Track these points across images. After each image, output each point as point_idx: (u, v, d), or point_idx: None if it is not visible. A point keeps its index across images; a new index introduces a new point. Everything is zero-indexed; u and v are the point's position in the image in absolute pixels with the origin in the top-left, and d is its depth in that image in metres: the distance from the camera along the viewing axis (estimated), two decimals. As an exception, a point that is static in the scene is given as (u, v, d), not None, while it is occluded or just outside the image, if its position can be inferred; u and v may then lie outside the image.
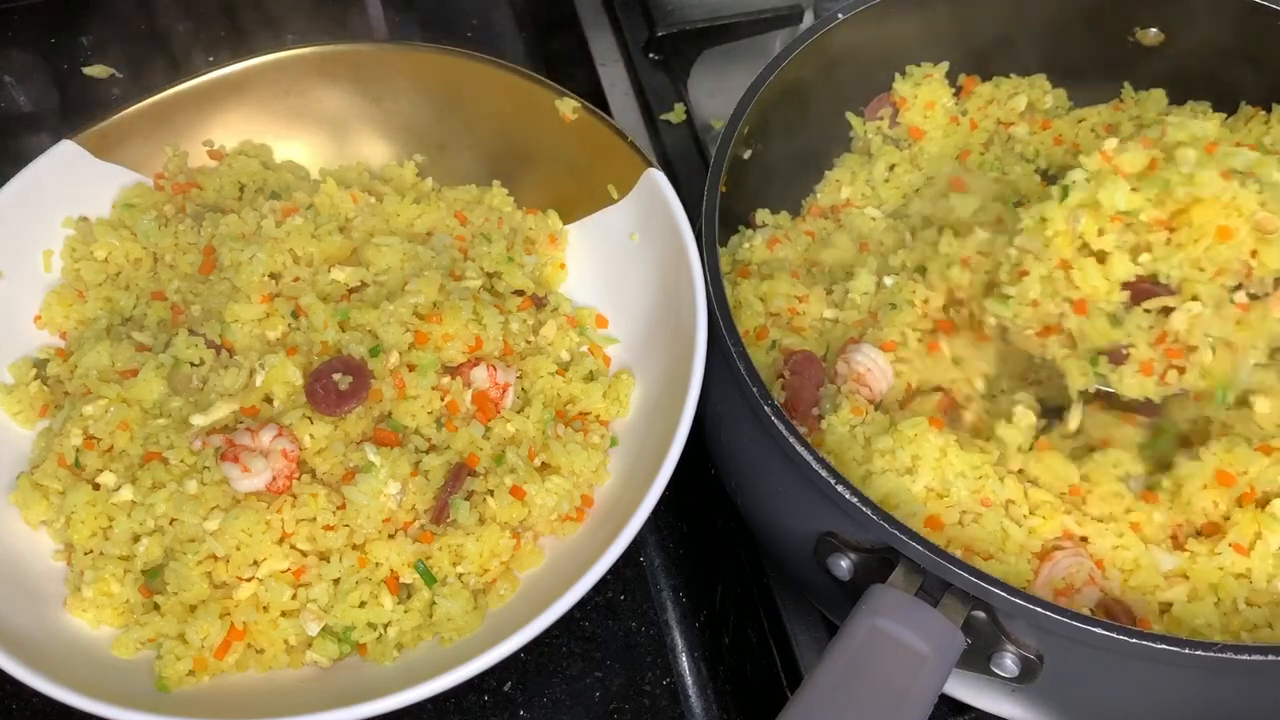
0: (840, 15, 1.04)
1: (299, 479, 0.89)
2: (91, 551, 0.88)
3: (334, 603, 0.85)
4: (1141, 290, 0.85)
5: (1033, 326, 0.90)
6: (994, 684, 0.77)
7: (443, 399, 0.93)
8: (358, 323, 0.95)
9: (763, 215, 1.10)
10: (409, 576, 0.87)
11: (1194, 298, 0.84)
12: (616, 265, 1.06)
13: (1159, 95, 1.14)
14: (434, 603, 0.86)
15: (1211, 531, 0.85)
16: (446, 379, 0.94)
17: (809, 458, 0.78)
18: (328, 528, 0.86)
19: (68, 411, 0.93)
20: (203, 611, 0.84)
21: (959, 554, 0.81)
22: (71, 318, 1.02)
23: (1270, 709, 0.75)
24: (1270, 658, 0.68)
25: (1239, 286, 0.85)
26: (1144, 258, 0.85)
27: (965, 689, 0.83)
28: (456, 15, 1.47)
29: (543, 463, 0.93)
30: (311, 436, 0.89)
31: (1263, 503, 0.84)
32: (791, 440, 0.79)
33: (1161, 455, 0.90)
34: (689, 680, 0.95)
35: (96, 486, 0.90)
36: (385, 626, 0.86)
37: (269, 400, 0.92)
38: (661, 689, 0.94)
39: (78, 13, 1.43)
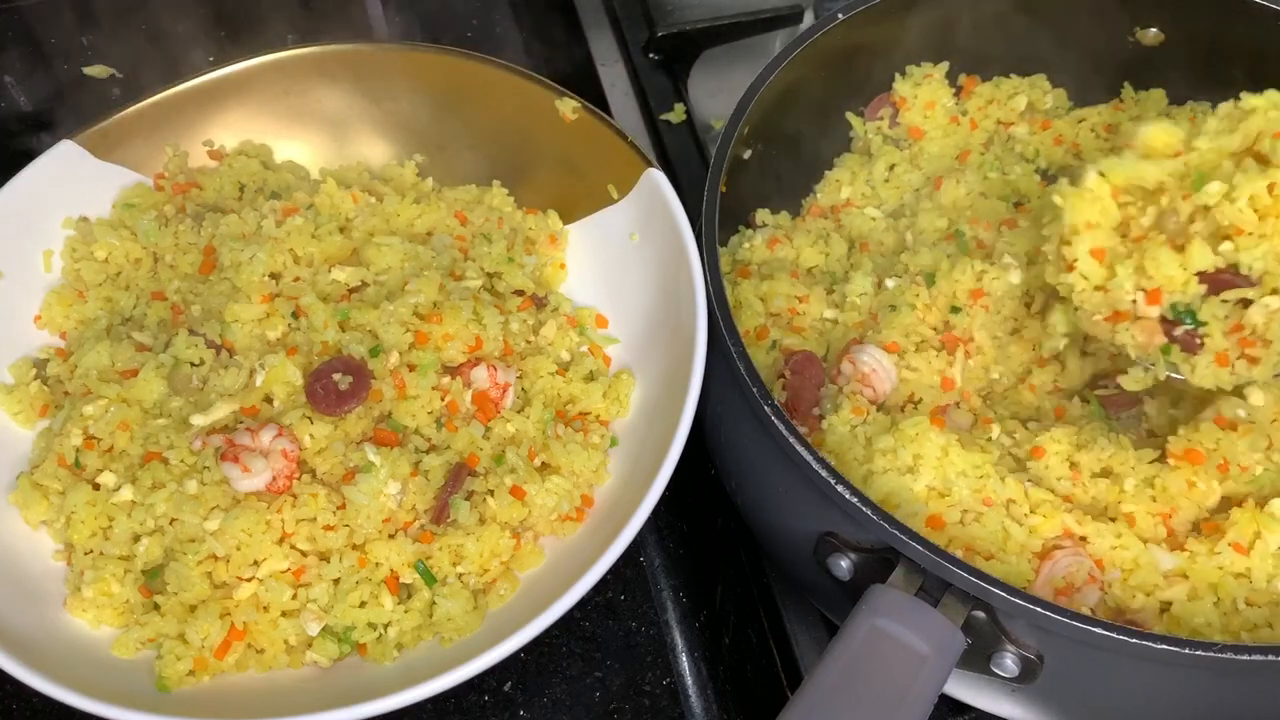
0: (840, 15, 1.04)
1: (299, 479, 0.89)
2: (91, 551, 0.88)
3: (334, 603, 0.85)
4: (1220, 280, 0.81)
5: (1101, 311, 0.86)
6: (994, 684, 0.77)
7: (443, 399, 0.93)
8: (358, 323, 0.95)
9: (763, 215, 1.10)
10: (409, 576, 0.87)
11: (1274, 291, 0.81)
12: (616, 265, 1.06)
13: (1159, 95, 1.14)
14: (434, 603, 0.86)
15: (1211, 531, 0.85)
16: (446, 379, 0.94)
17: (809, 458, 0.78)
18: (328, 528, 0.86)
19: (68, 411, 0.93)
20: (203, 611, 0.84)
21: (960, 554, 0.82)
22: (71, 318, 1.02)
23: (1270, 709, 0.75)
24: (1270, 658, 0.68)
25: None
26: (1225, 246, 0.81)
27: (965, 689, 0.83)
28: (456, 15, 1.47)
29: (543, 463, 0.93)
30: (311, 436, 0.89)
31: (1261, 501, 0.84)
32: (791, 440, 0.79)
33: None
34: (689, 680, 0.95)
35: (96, 486, 0.90)
36: (385, 626, 0.86)
37: (269, 400, 0.92)
38: (661, 689, 0.94)
39: (78, 13, 1.43)
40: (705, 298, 0.91)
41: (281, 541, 0.86)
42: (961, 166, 1.12)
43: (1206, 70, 1.11)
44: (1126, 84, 1.15)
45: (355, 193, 1.06)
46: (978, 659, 0.75)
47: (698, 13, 1.36)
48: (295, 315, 0.96)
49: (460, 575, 0.88)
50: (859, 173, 1.13)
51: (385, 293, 0.99)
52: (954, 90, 1.16)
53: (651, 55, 1.34)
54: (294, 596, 0.86)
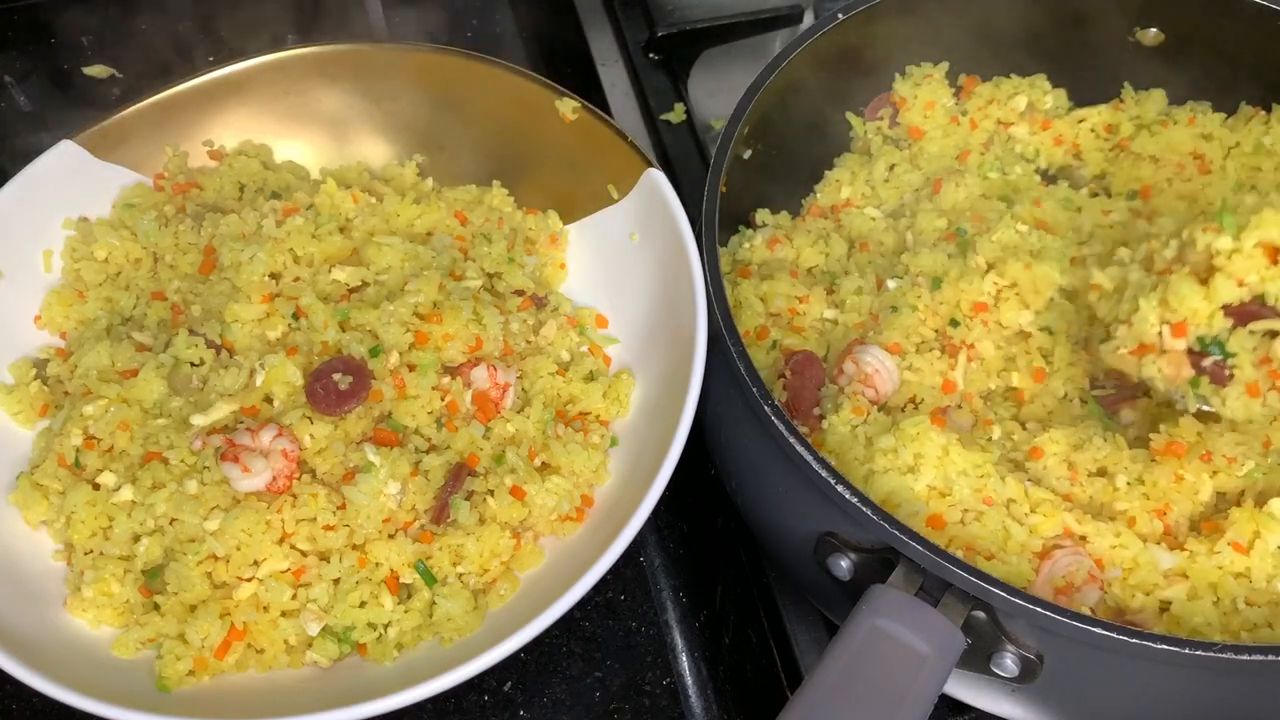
0: (840, 15, 1.04)
1: (299, 479, 0.89)
2: (91, 551, 0.88)
3: (334, 603, 0.85)
4: (1247, 313, 0.80)
5: (1127, 345, 0.85)
6: (994, 684, 0.77)
7: (443, 399, 0.93)
8: (358, 323, 0.95)
9: (763, 215, 1.10)
10: (409, 576, 0.87)
11: None
12: (616, 265, 1.06)
13: (1159, 95, 1.14)
14: (434, 603, 0.86)
15: (1211, 530, 0.85)
16: (446, 379, 0.94)
17: (809, 458, 0.78)
18: (328, 528, 0.86)
19: (68, 411, 0.93)
20: (203, 611, 0.84)
21: (961, 553, 0.82)
22: (71, 318, 1.02)
23: (1270, 709, 0.75)
24: (1270, 658, 0.68)
25: None
26: (1251, 278, 0.79)
27: (965, 689, 0.83)
28: (456, 15, 1.47)
29: (543, 463, 0.93)
30: (311, 436, 0.89)
31: (1260, 501, 0.84)
32: (792, 440, 0.79)
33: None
34: (689, 680, 0.95)
35: (96, 486, 0.90)
36: (385, 626, 0.86)
37: (269, 400, 0.92)
38: (661, 689, 0.94)
39: (78, 13, 1.43)
40: (705, 298, 0.91)
41: (281, 541, 0.86)
42: (961, 167, 1.12)
43: (1206, 70, 1.11)
44: (1126, 84, 1.15)
45: (355, 193, 1.06)
46: (978, 659, 0.75)
47: (698, 13, 1.36)
48: (295, 315, 0.96)
49: (460, 575, 0.88)
50: (859, 173, 1.13)
51: (385, 293, 0.99)
52: (954, 90, 1.16)
53: (651, 55, 1.34)
54: (294, 596, 0.85)
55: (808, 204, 1.14)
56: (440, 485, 0.89)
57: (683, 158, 1.24)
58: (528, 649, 0.80)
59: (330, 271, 1.00)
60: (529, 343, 1.01)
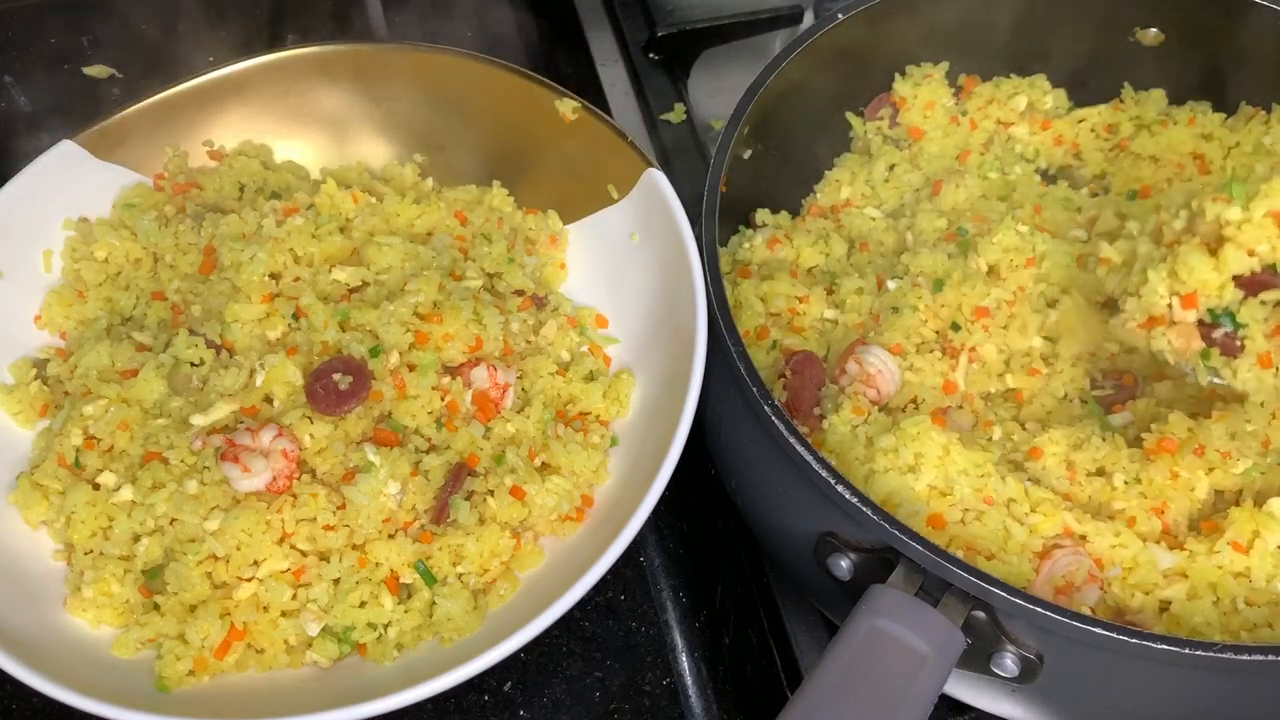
0: (840, 15, 1.04)
1: (299, 479, 0.89)
2: (91, 551, 0.88)
3: (334, 603, 0.85)
4: (1257, 282, 0.79)
5: (1136, 318, 0.84)
6: (994, 684, 0.77)
7: (443, 399, 0.93)
8: (358, 323, 0.95)
9: (763, 215, 1.10)
10: (409, 576, 0.87)
11: None
12: (616, 265, 1.06)
13: (1159, 95, 1.14)
14: (434, 603, 0.86)
15: (1210, 530, 0.85)
16: (446, 379, 0.94)
17: (809, 458, 0.78)
18: (328, 528, 0.86)
19: (68, 411, 0.93)
20: (203, 611, 0.84)
21: (961, 553, 0.82)
22: (71, 318, 1.02)
23: (1270, 709, 0.75)
24: (1270, 658, 0.68)
25: None
26: (1262, 248, 0.78)
27: (965, 689, 0.83)
28: (456, 15, 1.47)
29: (543, 463, 0.93)
30: (311, 436, 0.89)
31: (1260, 500, 0.84)
32: (792, 440, 0.79)
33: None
34: (689, 680, 0.95)
35: (96, 486, 0.90)
36: (385, 626, 0.86)
37: (269, 400, 0.92)
38: (661, 689, 0.94)
39: (78, 13, 1.43)
40: (705, 298, 0.91)
41: (281, 541, 0.86)
42: (961, 167, 1.12)
43: (1206, 70, 1.11)
44: (1126, 84, 1.15)
45: (355, 193, 1.06)
46: (978, 659, 0.75)
47: (698, 13, 1.36)
48: (295, 315, 0.96)
49: (460, 575, 0.88)
50: (859, 173, 1.13)
51: (385, 293, 0.99)
52: (954, 90, 1.16)
53: (651, 55, 1.34)
54: (294, 596, 0.85)
55: (808, 204, 1.14)
56: (440, 485, 0.89)
57: (683, 158, 1.24)
58: (528, 649, 0.80)
59: (330, 271, 1.00)
60: (529, 343, 1.01)
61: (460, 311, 0.95)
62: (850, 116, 1.16)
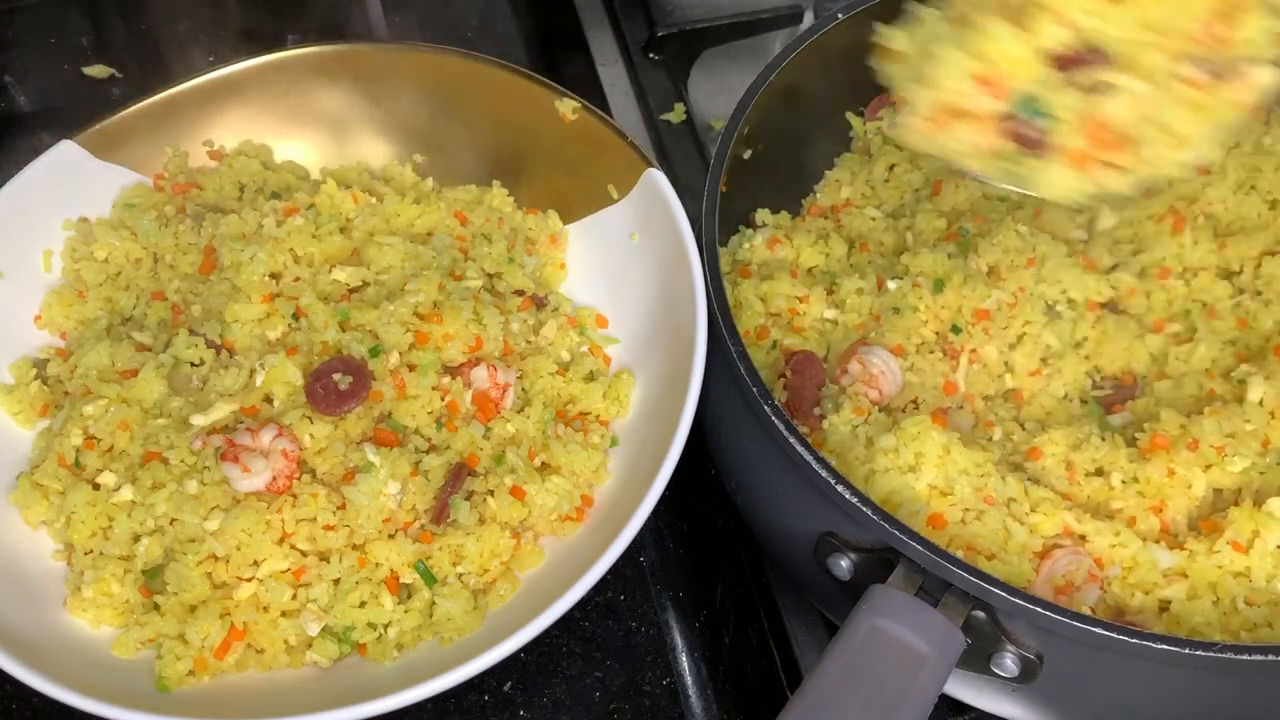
0: (840, 15, 1.04)
1: (299, 479, 0.89)
2: (91, 551, 0.88)
3: (334, 603, 0.85)
4: (1075, 60, 0.67)
5: (922, 111, 0.71)
6: (994, 684, 0.77)
7: (443, 399, 0.93)
8: (358, 323, 0.95)
9: (763, 215, 1.10)
10: (409, 576, 0.87)
11: (1139, 73, 0.66)
12: (616, 265, 1.06)
13: (1159, 95, 1.13)
14: (434, 603, 0.86)
15: (1210, 529, 0.85)
16: (447, 379, 0.94)
17: (809, 458, 0.78)
18: (328, 528, 0.86)
19: (68, 411, 0.93)
20: (203, 611, 0.84)
21: (962, 553, 0.82)
22: (71, 318, 1.02)
23: (1270, 709, 0.75)
24: (1270, 658, 0.68)
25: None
26: (1084, 19, 0.66)
27: (965, 689, 0.83)
28: (456, 15, 1.47)
29: (543, 463, 0.93)
30: (311, 436, 0.89)
31: (1259, 500, 0.84)
32: (791, 440, 0.79)
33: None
34: (689, 680, 0.95)
35: (96, 486, 0.90)
36: (385, 626, 0.86)
37: (269, 400, 0.92)
38: (661, 689, 0.94)
39: (78, 13, 1.43)
40: (705, 298, 0.91)
41: (281, 541, 0.86)
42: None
43: (1206, 70, 1.11)
44: (1126, 84, 1.15)
45: (355, 193, 1.06)
46: (978, 659, 0.75)
47: (698, 13, 1.36)
48: (295, 315, 0.96)
49: (460, 575, 0.88)
50: (859, 173, 1.13)
51: (385, 293, 0.99)
52: (954, 90, 1.16)
53: (651, 55, 1.34)
54: (294, 596, 0.85)
55: (808, 204, 1.14)
56: (440, 485, 0.89)
57: (683, 158, 1.24)
58: (528, 649, 0.79)
59: (330, 271, 1.00)
60: (529, 343, 1.01)
61: (460, 311, 0.95)
62: (850, 116, 1.16)
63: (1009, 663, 0.74)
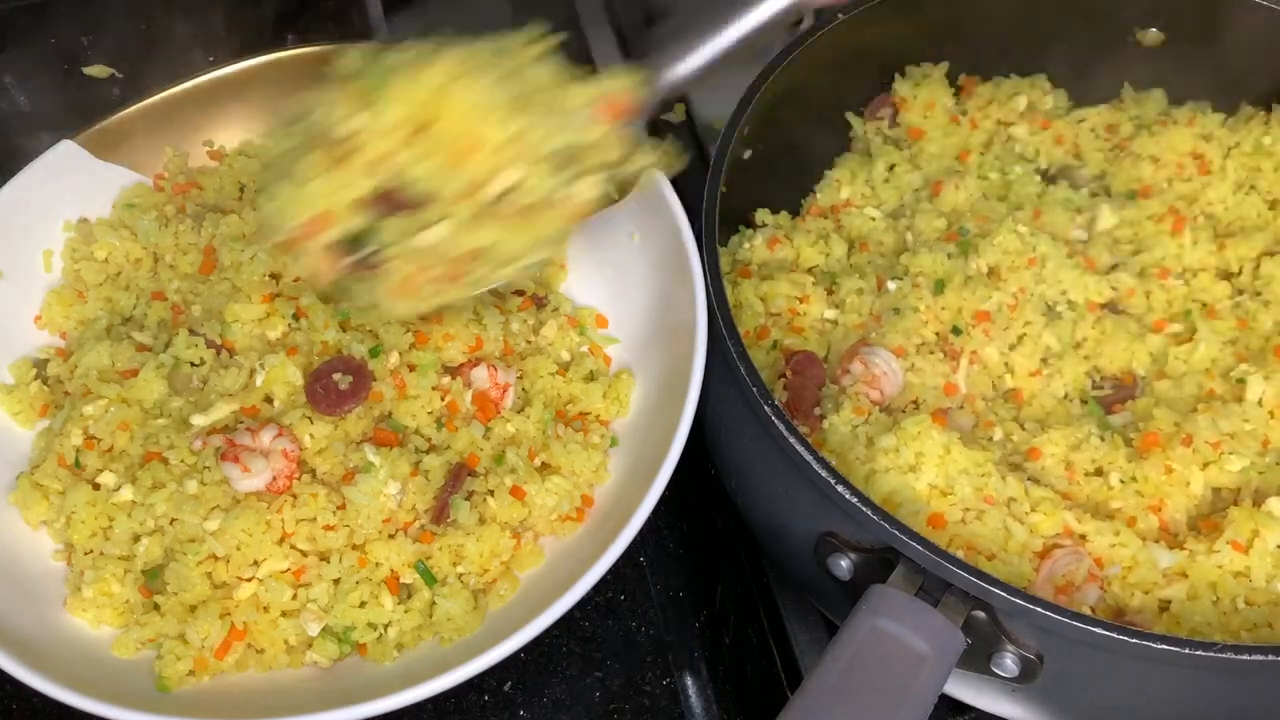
0: (840, 15, 1.04)
1: (299, 479, 0.89)
2: (91, 551, 0.88)
3: (334, 603, 0.85)
4: (388, 199, 0.73)
5: (275, 235, 0.76)
6: (994, 684, 0.77)
7: (443, 399, 0.93)
8: (358, 323, 0.95)
9: (763, 215, 1.10)
10: (409, 577, 0.87)
11: (446, 215, 0.74)
12: (616, 265, 1.06)
13: (1159, 95, 1.14)
14: (434, 603, 0.86)
15: (1210, 529, 0.85)
16: (447, 379, 0.94)
17: (809, 458, 0.78)
18: (328, 528, 0.86)
19: (68, 411, 0.93)
20: (203, 612, 0.84)
21: (962, 553, 0.82)
22: (71, 318, 1.02)
23: (1270, 709, 0.75)
24: (1270, 658, 0.68)
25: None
26: (393, 161, 0.73)
27: (965, 689, 0.83)
28: (456, 15, 1.47)
29: (543, 463, 0.93)
30: (311, 436, 0.89)
31: (1259, 500, 0.84)
32: (791, 440, 0.79)
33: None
34: (689, 680, 0.95)
35: (96, 486, 0.90)
36: (385, 626, 0.86)
37: (269, 400, 0.92)
38: (661, 689, 0.94)
39: (78, 13, 1.43)
40: (705, 298, 0.91)
41: (281, 542, 0.86)
42: (961, 167, 1.12)
43: (1206, 70, 1.11)
44: (1126, 84, 1.15)
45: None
46: (978, 659, 0.75)
47: (698, 13, 1.36)
48: (295, 315, 0.96)
49: (460, 575, 0.88)
50: (859, 173, 1.13)
51: (385, 293, 0.99)
52: (954, 90, 1.16)
53: (652, 55, 1.34)
54: (294, 597, 0.85)
55: (808, 204, 1.14)
56: (440, 485, 0.89)
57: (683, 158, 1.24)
58: (528, 649, 0.79)
59: (330, 271, 1.00)
60: (529, 343, 1.01)
61: (460, 311, 0.95)
62: (850, 116, 1.16)
63: (1009, 663, 0.74)
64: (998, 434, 0.92)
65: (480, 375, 0.95)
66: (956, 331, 0.96)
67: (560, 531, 0.92)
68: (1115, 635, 0.69)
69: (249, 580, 0.86)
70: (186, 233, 1.04)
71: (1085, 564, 0.82)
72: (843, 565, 0.79)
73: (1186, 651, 0.69)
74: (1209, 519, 0.86)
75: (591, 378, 0.99)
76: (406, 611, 0.86)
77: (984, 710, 0.85)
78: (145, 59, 1.37)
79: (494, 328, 0.97)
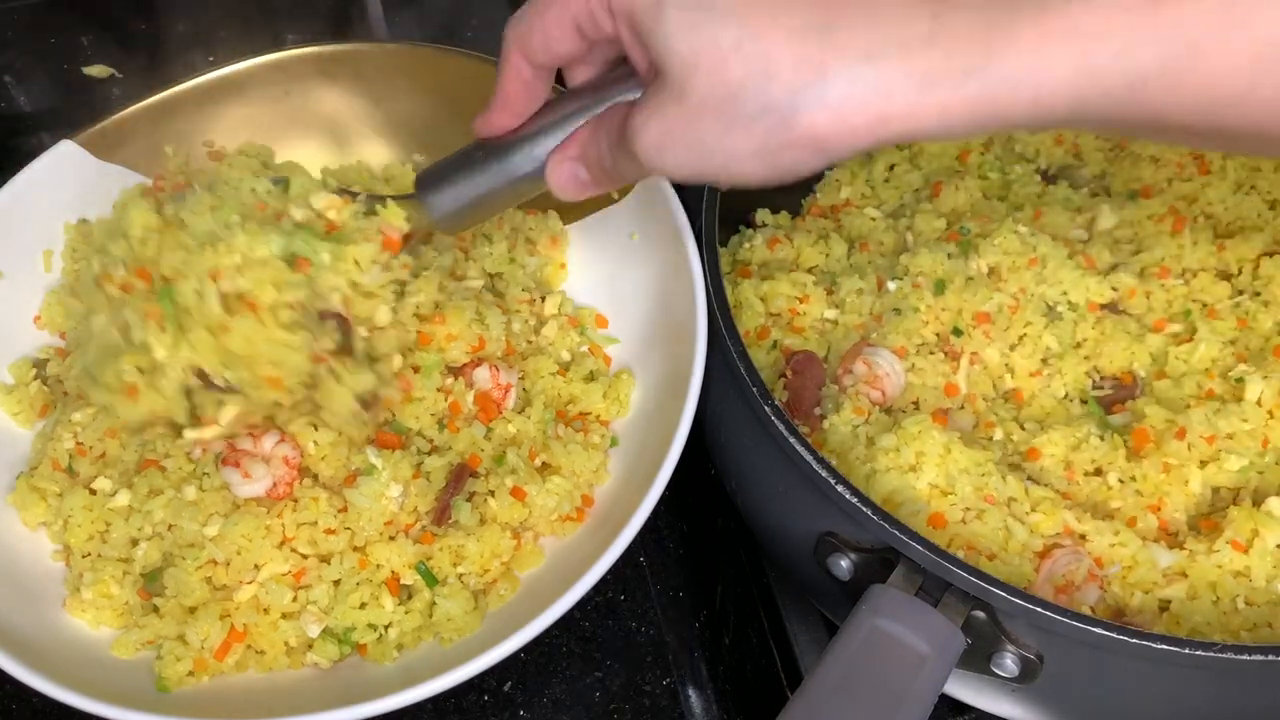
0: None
1: (300, 483, 0.89)
2: (89, 554, 0.88)
3: (334, 604, 0.85)
4: (203, 378, 0.77)
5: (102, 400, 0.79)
6: (994, 684, 0.77)
7: (446, 400, 0.93)
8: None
9: (763, 215, 1.10)
10: (410, 578, 0.87)
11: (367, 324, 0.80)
12: (616, 265, 1.06)
13: (1159, 95, 1.13)
14: (434, 603, 0.86)
15: (1210, 529, 0.85)
16: (449, 380, 0.94)
17: (809, 458, 0.78)
18: (329, 531, 0.86)
19: (58, 415, 0.93)
20: (202, 613, 0.84)
21: (962, 553, 0.82)
22: (71, 318, 1.02)
23: (1270, 709, 0.75)
24: (1270, 658, 0.68)
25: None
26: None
27: (965, 689, 0.83)
28: (456, 15, 1.47)
29: (543, 463, 0.93)
30: (315, 444, 0.89)
31: (1259, 500, 0.84)
32: (791, 440, 0.79)
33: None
34: (689, 680, 0.95)
35: (93, 491, 0.89)
36: (385, 627, 0.86)
37: (269, 402, 0.92)
38: (661, 689, 0.94)
39: (78, 13, 1.43)
40: (705, 298, 0.91)
41: (282, 545, 0.86)
42: (961, 167, 1.12)
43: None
44: (1126, 84, 1.15)
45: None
46: (978, 659, 0.75)
47: (698, 13, 1.35)
48: (295, 315, 0.96)
49: (460, 576, 0.88)
50: (859, 173, 1.13)
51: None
52: (954, 90, 1.15)
53: (651, 55, 1.34)
54: (294, 598, 0.85)
55: (808, 204, 1.14)
56: (442, 487, 0.89)
57: (683, 158, 1.24)
58: (528, 649, 0.79)
59: (330, 272, 1.00)
60: (530, 343, 1.01)
61: (463, 312, 0.95)
62: (850, 116, 1.16)
63: (1009, 663, 0.74)
64: (998, 434, 0.92)
65: (483, 376, 0.95)
66: (957, 332, 0.96)
67: (560, 531, 0.92)
68: (1115, 635, 0.69)
69: (249, 583, 0.86)
70: (186, 233, 1.04)
71: (1085, 564, 0.82)
72: (843, 565, 0.79)
73: (1186, 652, 0.69)
74: (1209, 519, 0.86)
75: (591, 378, 0.99)
76: (407, 612, 0.86)
77: (984, 710, 0.85)
78: (145, 59, 1.38)
79: (496, 327, 0.97)
